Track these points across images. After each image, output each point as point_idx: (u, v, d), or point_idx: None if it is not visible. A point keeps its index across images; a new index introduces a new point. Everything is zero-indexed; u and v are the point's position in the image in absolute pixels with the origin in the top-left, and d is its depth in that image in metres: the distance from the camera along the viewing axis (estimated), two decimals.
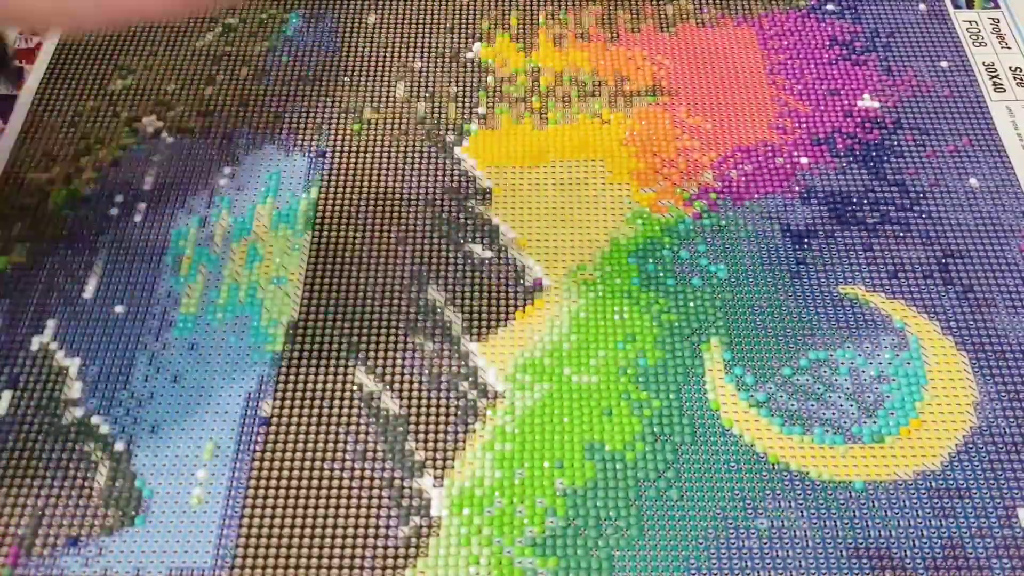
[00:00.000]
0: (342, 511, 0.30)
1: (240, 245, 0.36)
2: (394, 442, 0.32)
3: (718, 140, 0.40)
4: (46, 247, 0.36)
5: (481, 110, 0.41)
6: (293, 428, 0.32)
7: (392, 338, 0.34)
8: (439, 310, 0.35)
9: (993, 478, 0.31)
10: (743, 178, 0.39)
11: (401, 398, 0.33)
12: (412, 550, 0.29)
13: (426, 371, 0.33)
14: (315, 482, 0.31)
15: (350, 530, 0.30)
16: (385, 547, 0.29)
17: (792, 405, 0.32)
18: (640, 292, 0.35)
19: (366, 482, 0.31)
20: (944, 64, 0.43)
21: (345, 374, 0.33)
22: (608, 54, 0.43)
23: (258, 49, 0.43)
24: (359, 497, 0.30)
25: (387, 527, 0.30)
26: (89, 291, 0.35)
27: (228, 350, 0.34)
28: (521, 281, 0.36)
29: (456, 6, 0.45)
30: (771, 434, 0.32)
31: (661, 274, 0.36)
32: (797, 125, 0.40)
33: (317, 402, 0.32)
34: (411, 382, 0.33)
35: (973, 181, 0.38)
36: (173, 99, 0.41)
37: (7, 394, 0.32)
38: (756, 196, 0.38)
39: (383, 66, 0.42)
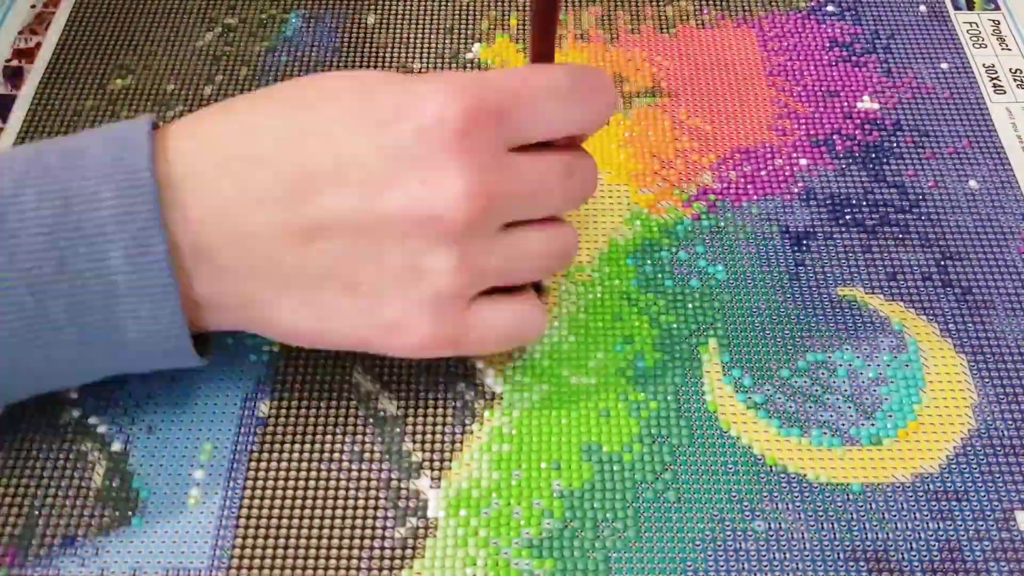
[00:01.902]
0: (339, 512, 0.30)
1: None
2: (391, 443, 0.32)
3: (717, 141, 0.40)
4: None
5: None
6: (290, 429, 0.32)
7: None
8: None
9: (991, 481, 0.31)
10: (742, 179, 0.39)
11: (399, 399, 0.33)
12: (409, 551, 0.29)
13: (424, 372, 0.33)
14: (312, 483, 0.31)
15: (347, 531, 0.30)
16: (382, 548, 0.29)
17: (790, 407, 0.32)
18: (638, 293, 0.35)
19: (363, 483, 0.31)
20: (944, 66, 0.42)
21: (342, 375, 0.33)
22: (607, 55, 0.43)
23: (257, 49, 0.43)
24: (356, 498, 0.30)
25: (384, 528, 0.30)
26: None
27: (226, 350, 0.34)
28: None
29: (456, 6, 0.45)
30: (769, 436, 0.32)
31: (659, 275, 0.36)
32: (796, 126, 0.40)
33: (314, 403, 0.32)
34: (409, 383, 0.33)
35: (973, 183, 0.38)
36: (172, 99, 0.41)
37: None
38: (755, 198, 0.38)
39: (382, 66, 0.42)
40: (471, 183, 0.26)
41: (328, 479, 0.31)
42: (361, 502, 0.30)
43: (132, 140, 0.27)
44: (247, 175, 0.27)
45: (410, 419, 0.32)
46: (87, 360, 0.28)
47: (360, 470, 0.31)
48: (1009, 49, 0.43)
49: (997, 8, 0.45)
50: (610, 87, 0.29)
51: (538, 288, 0.35)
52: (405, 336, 0.28)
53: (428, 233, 0.26)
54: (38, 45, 0.43)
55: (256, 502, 0.30)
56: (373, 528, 0.30)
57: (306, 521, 0.30)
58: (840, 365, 0.33)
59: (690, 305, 0.35)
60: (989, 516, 0.30)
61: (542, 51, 0.29)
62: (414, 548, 0.29)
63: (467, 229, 0.27)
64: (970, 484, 0.31)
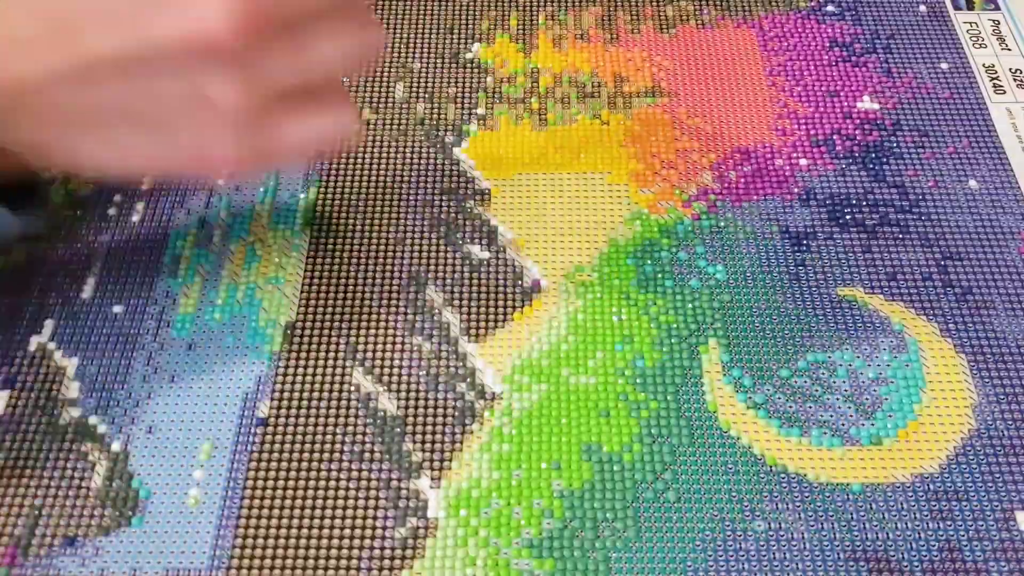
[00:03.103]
0: (339, 512, 0.30)
1: (238, 245, 0.36)
2: (391, 443, 0.32)
3: (717, 141, 0.40)
4: (44, 247, 0.36)
5: (480, 111, 0.41)
6: (290, 429, 0.32)
7: (390, 339, 0.34)
8: (437, 311, 0.35)
9: (991, 481, 0.31)
10: (742, 179, 0.39)
11: (399, 399, 0.33)
12: (409, 551, 0.29)
13: (424, 372, 0.33)
14: (312, 483, 0.31)
15: (347, 531, 0.30)
16: (382, 548, 0.29)
17: (790, 407, 0.32)
18: (638, 293, 0.35)
19: (363, 483, 0.31)
20: (944, 66, 0.42)
21: (343, 375, 0.33)
22: (607, 55, 0.43)
23: None
24: (356, 498, 0.30)
25: (384, 528, 0.30)
26: (87, 291, 0.35)
27: (226, 350, 0.34)
28: (519, 282, 0.35)
29: (456, 6, 0.45)
30: (769, 436, 0.32)
31: (659, 275, 0.36)
32: (796, 127, 0.40)
33: (314, 403, 0.32)
34: (409, 383, 0.33)
35: (972, 183, 0.38)
36: None
37: (4, 394, 0.32)
38: (755, 197, 0.38)
39: (382, 66, 0.42)
40: None
41: (328, 479, 0.31)
42: (361, 502, 0.30)
43: None
44: (6, 16, 0.25)
45: (410, 419, 0.32)
46: None
47: (360, 470, 0.31)
48: (1009, 49, 0.43)
49: (997, 8, 0.45)
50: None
51: (536, 288, 0.35)
52: (211, 163, 0.27)
53: (200, 58, 0.25)
54: None
55: (256, 502, 0.30)
56: (373, 528, 0.30)
57: (306, 521, 0.30)
58: (840, 365, 0.33)
59: (690, 305, 0.35)
60: (989, 516, 0.30)
61: None
62: (414, 548, 0.29)
63: (239, 44, 0.25)
64: (970, 484, 0.31)
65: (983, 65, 0.43)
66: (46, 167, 0.28)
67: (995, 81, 0.42)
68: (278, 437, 0.32)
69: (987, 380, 0.33)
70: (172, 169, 0.28)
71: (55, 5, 0.25)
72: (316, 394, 0.33)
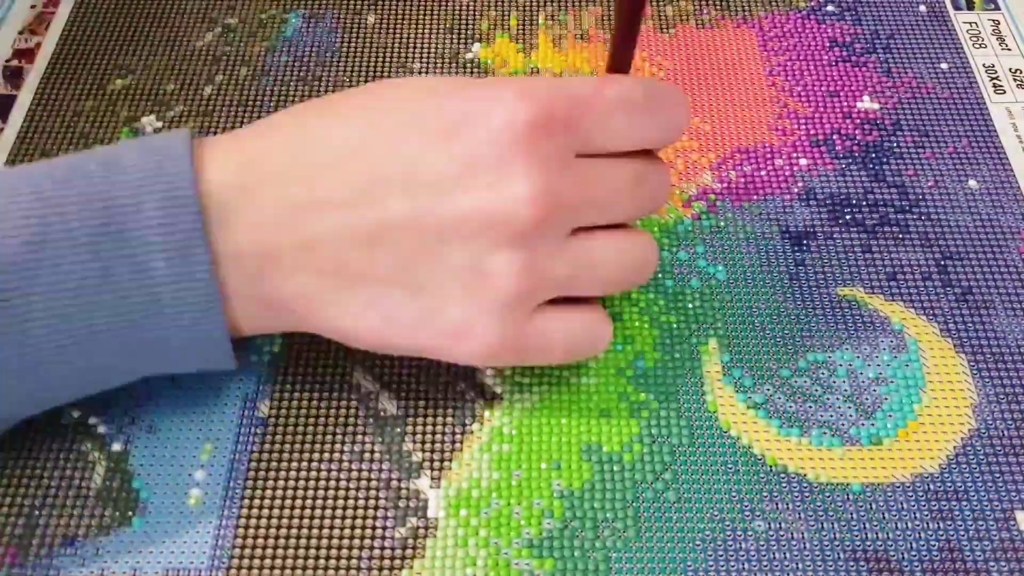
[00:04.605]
0: (339, 512, 0.30)
1: None
2: (391, 443, 0.32)
3: (717, 141, 0.40)
4: None
5: None
6: (290, 429, 0.32)
7: None
8: None
9: (991, 481, 0.31)
10: (742, 179, 0.39)
11: (399, 399, 0.33)
12: (409, 551, 0.29)
13: (424, 372, 0.33)
14: (312, 483, 0.31)
15: (347, 531, 0.30)
16: (382, 548, 0.29)
17: (790, 407, 0.32)
18: (639, 293, 0.35)
19: (363, 483, 0.31)
20: (944, 66, 0.42)
21: (343, 375, 0.33)
22: (607, 55, 0.43)
23: (257, 49, 0.43)
24: (356, 498, 0.30)
25: (384, 528, 0.30)
26: None
27: None
28: None
29: (455, 6, 0.45)
30: (769, 436, 0.32)
31: (659, 275, 0.36)
32: (796, 126, 0.40)
33: (314, 403, 0.32)
34: (409, 383, 0.33)
35: (972, 183, 0.38)
36: (172, 99, 0.41)
37: None
38: (755, 198, 0.38)
39: (382, 67, 0.42)
40: (537, 186, 0.26)
41: (328, 479, 0.31)
42: (361, 502, 0.30)
43: (171, 150, 0.26)
44: (316, 179, 0.27)
45: (410, 419, 0.32)
46: (129, 365, 0.28)
47: (360, 470, 0.31)
48: (1009, 49, 0.43)
49: (997, 8, 0.45)
50: (684, 104, 0.29)
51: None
52: (469, 342, 0.28)
53: (493, 235, 0.26)
54: (38, 45, 0.43)
55: (256, 502, 0.30)
56: (373, 528, 0.30)
57: (306, 521, 0.30)
58: (840, 365, 0.33)
59: (690, 305, 0.35)
60: (989, 516, 0.30)
61: (619, 62, 0.29)
62: (414, 548, 0.29)
63: (532, 232, 0.26)
64: (970, 484, 0.31)
65: (983, 65, 0.43)
66: (298, 326, 0.29)
67: (995, 81, 0.42)
68: (278, 437, 0.32)
69: (987, 380, 0.33)
70: (428, 340, 0.28)
71: (366, 174, 0.27)
72: (316, 394, 0.33)
